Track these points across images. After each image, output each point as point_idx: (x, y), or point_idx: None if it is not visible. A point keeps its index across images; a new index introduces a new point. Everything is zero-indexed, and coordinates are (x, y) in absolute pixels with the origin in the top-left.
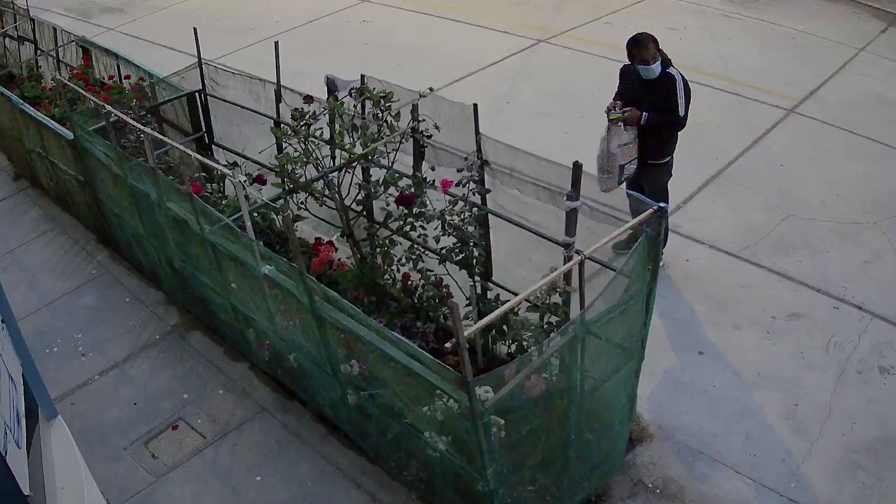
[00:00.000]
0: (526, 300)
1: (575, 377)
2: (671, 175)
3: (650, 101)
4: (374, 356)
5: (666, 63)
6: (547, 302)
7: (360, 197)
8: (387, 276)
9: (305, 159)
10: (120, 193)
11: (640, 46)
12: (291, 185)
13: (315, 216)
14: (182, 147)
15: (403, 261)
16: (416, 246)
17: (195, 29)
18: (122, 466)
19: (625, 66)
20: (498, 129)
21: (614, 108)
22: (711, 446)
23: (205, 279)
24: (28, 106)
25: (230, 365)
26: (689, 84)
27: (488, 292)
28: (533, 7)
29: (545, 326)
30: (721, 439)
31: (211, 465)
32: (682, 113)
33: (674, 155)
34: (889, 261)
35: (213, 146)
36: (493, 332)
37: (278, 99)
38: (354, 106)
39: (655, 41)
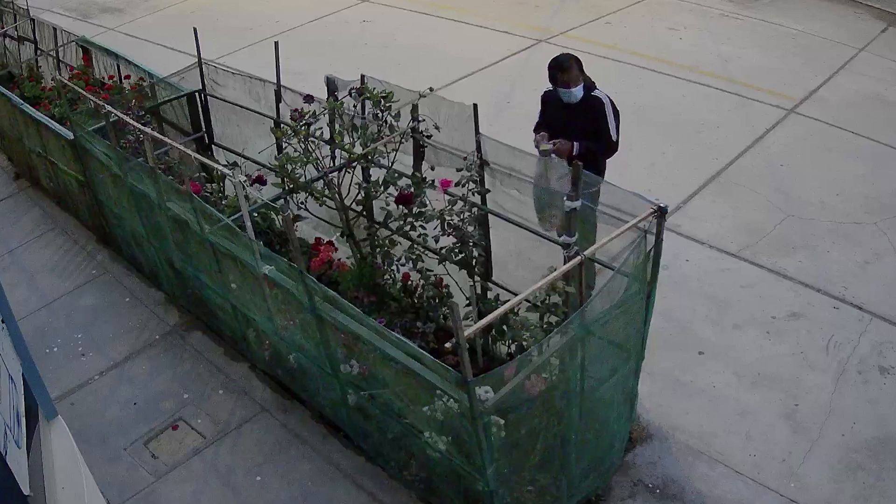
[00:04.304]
0: (526, 300)
1: (575, 377)
2: None
3: (577, 127)
4: (374, 356)
5: (590, 86)
6: (547, 302)
7: (360, 197)
8: (387, 276)
9: (305, 159)
10: (120, 193)
11: (562, 69)
12: (291, 185)
13: (315, 216)
14: (182, 147)
15: (403, 261)
16: (415, 246)
17: (195, 29)
18: (122, 466)
19: (546, 91)
20: (498, 129)
21: (542, 139)
22: (711, 446)
23: (205, 279)
24: (28, 106)
25: (230, 365)
26: (617, 106)
27: (488, 292)
28: (533, 7)
29: (545, 326)
30: (721, 439)
31: (211, 465)
32: (613, 137)
33: (604, 178)
34: (889, 261)
35: (213, 146)
36: (493, 332)
37: (278, 99)
38: (354, 106)
39: (579, 64)
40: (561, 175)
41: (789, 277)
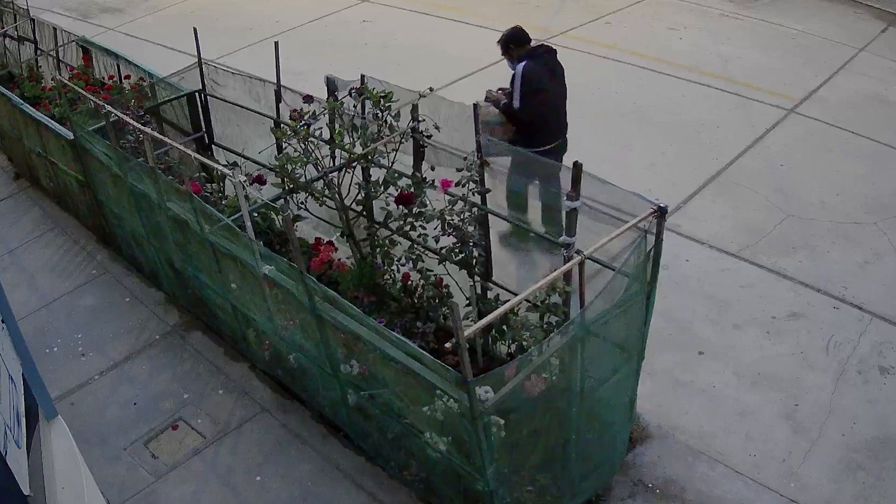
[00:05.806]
0: (526, 300)
1: (575, 377)
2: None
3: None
4: (374, 356)
5: (524, 57)
6: (547, 302)
7: (360, 197)
8: (387, 276)
9: (305, 159)
10: (120, 193)
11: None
12: (291, 185)
13: (315, 216)
14: (182, 147)
15: (403, 261)
16: (416, 246)
17: (195, 29)
18: (122, 466)
19: None
20: None
21: (499, 90)
22: (711, 446)
23: (205, 279)
24: (28, 106)
25: (230, 365)
26: (542, 82)
27: (488, 292)
28: (533, 7)
29: (545, 326)
30: (721, 439)
31: (211, 465)
32: (514, 104)
33: (554, 151)
34: (889, 261)
35: (213, 146)
36: (493, 332)
37: (278, 99)
38: (354, 106)
39: (511, 39)
40: (487, 121)
41: (789, 277)
